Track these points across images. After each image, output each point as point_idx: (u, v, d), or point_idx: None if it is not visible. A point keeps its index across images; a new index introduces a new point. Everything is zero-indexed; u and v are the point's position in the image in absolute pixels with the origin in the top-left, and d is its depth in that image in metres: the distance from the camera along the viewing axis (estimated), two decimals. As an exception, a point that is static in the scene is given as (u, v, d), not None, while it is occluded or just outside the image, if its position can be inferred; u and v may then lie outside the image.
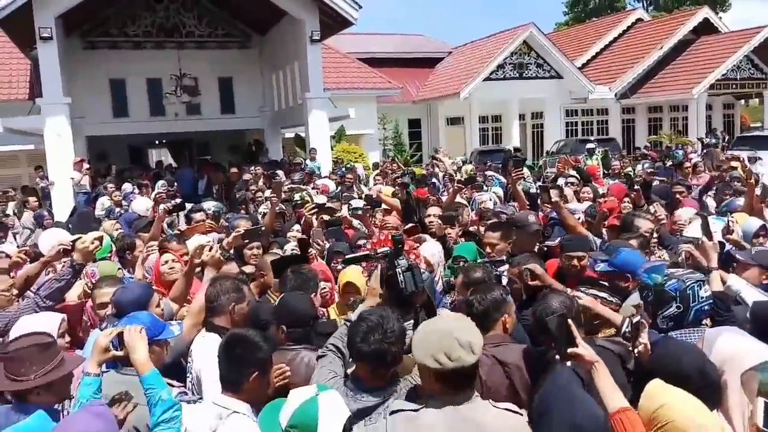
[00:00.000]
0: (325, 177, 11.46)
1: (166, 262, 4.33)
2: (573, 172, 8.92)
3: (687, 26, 27.27)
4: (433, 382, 2.28)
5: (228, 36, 18.88)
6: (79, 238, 3.96)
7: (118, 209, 9.75)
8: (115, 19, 17.59)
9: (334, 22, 14.72)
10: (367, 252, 3.53)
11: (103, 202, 10.56)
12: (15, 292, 3.90)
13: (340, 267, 4.33)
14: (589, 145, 18.15)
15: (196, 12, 18.25)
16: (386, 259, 2.83)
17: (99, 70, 17.30)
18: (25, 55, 16.96)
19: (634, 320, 2.70)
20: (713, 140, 22.82)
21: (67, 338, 3.34)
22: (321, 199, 7.29)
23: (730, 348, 2.49)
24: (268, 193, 8.10)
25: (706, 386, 2.28)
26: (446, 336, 2.26)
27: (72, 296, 4.09)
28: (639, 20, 30.79)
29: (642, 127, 28.67)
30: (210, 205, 7.34)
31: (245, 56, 19.13)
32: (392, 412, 2.31)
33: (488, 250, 4.45)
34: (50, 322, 3.24)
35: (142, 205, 8.18)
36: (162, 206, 5.89)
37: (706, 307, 2.87)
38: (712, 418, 2.04)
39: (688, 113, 26.51)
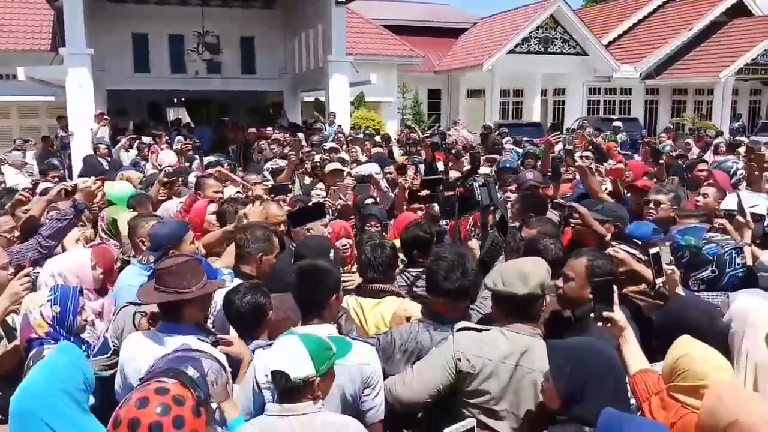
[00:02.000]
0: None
1: (214, 213, 4.36)
2: (589, 148, 8.84)
3: (719, 7, 26.60)
4: (495, 306, 2.59)
5: (252, -6, 18.70)
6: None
7: (143, 162, 9.79)
8: (140, -28, 17.46)
9: (360, -15, 14.52)
10: (440, 176, 3.80)
11: (130, 155, 10.64)
12: (17, 233, 3.95)
13: (373, 230, 4.33)
14: (615, 123, 17.92)
15: (222, -32, 18.05)
16: (459, 181, 2.96)
17: (122, 24, 17.23)
18: (50, 4, 16.87)
19: (652, 251, 2.74)
20: (736, 125, 22.47)
21: (99, 269, 3.38)
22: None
23: (744, 305, 2.52)
24: (287, 150, 8.11)
25: (716, 339, 2.33)
26: (512, 265, 2.60)
27: (70, 242, 4.07)
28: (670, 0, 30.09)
29: (665, 108, 28.22)
30: (210, 158, 7.49)
31: (268, 16, 18.96)
32: (459, 329, 2.52)
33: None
34: (82, 255, 3.28)
35: (169, 156, 8.26)
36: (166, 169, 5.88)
37: (740, 275, 2.89)
38: (725, 363, 2.09)
39: (713, 97, 26.01)
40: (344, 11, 14.77)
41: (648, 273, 2.94)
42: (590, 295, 2.74)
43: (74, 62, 12.68)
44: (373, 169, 5.87)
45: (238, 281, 3.13)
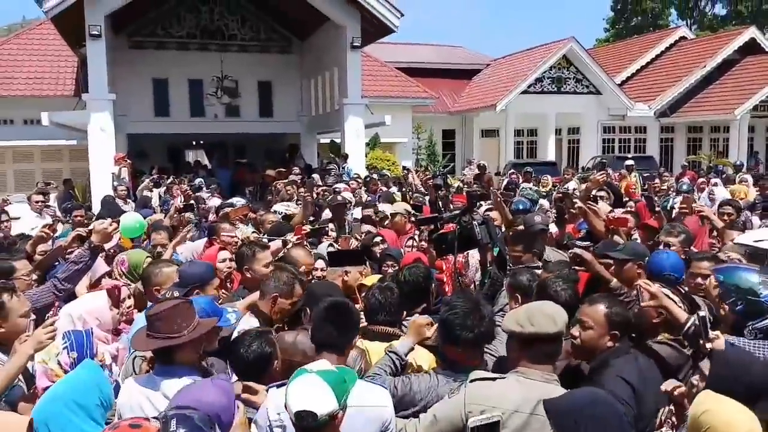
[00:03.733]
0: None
1: (224, 260, 4.42)
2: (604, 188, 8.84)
3: (732, 45, 26.75)
4: (517, 350, 2.51)
5: (269, 40, 19.16)
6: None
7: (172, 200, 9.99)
8: (162, 20, 18.00)
9: (375, 29, 14.82)
10: (436, 215, 3.82)
11: (160, 193, 10.82)
12: (35, 276, 4.01)
13: (390, 270, 4.37)
14: (628, 162, 17.90)
15: (240, 16, 18.59)
16: (455, 219, 3.00)
17: (143, 69, 17.68)
18: (74, 52, 17.42)
19: (701, 314, 2.64)
20: (753, 163, 22.34)
21: (116, 310, 3.42)
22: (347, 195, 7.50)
23: None
24: (302, 190, 8.23)
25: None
26: (533, 307, 2.60)
27: (81, 286, 4.08)
28: (682, 38, 30.30)
29: (681, 146, 28.16)
30: (237, 200, 7.57)
31: (285, 61, 19.38)
32: (472, 380, 2.47)
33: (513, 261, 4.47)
34: (101, 297, 3.34)
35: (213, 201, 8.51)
36: (174, 205, 6.01)
37: None
38: (751, 415, 1.95)
39: (729, 135, 25.96)
40: (359, 55, 15.06)
41: (679, 312, 2.84)
42: (608, 344, 2.71)
43: (97, 107, 13.01)
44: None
45: (252, 320, 3.16)
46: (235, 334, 3.02)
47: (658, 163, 24.22)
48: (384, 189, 10.11)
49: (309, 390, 2.02)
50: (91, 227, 4.11)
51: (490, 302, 3.05)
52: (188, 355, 2.58)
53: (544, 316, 2.47)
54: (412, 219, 6.04)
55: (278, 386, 2.36)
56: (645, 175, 14.63)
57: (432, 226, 4.10)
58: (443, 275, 4.08)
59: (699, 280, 3.51)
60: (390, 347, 2.86)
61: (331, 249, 4.95)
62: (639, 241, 4.86)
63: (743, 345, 2.65)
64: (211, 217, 7.01)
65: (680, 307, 2.90)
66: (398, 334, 3.11)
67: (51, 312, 3.19)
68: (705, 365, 2.33)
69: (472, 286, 3.39)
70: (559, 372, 2.70)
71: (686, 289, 3.31)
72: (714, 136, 27.50)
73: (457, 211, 3.16)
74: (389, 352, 2.81)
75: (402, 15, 14.17)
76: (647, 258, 3.79)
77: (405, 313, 3.37)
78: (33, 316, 3.14)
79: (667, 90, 26.83)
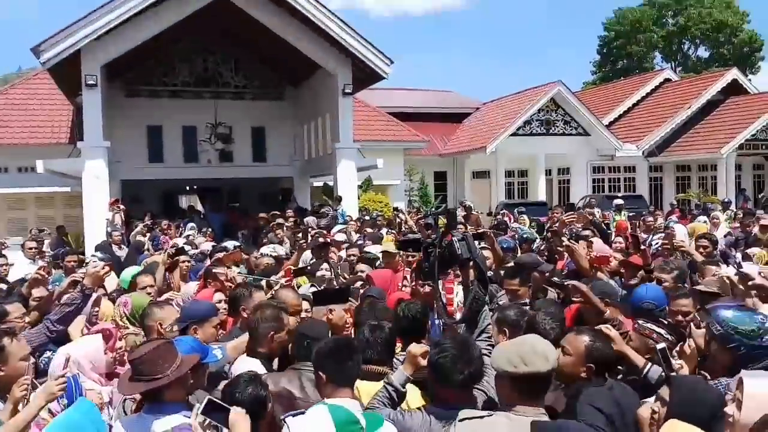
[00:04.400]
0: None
1: (219, 301, 4.49)
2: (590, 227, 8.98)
3: (716, 86, 27.40)
4: (508, 389, 2.51)
5: (263, 87, 19.54)
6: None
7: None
8: (156, 69, 18.35)
9: (365, 76, 15.17)
10: (419, 237, 3.83)
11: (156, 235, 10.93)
12: (27, 319, 4.08)
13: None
14: (617, 201, 18.11)
15: (234, 64, 18.99)
16: (437, 241, 3.02)
17: (138, 117, 17.94)
18: (70, 100, 17.69)
19: (659, 347, 2.73)
20: (742, 200, 22.61)
21: (111, 354, 3.47)
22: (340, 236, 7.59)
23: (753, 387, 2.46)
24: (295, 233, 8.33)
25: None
26: (524, 344, 2.56)
27: (75, 328, 4.09)
28: (667, 80, 31.05)
29: (670, 185, 28.54)
30: (230, 243, 7.65)
31: (278, 107, 19.72)
32: (461, 419, 2.48)
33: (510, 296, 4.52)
34: (96, 340, 3.40)
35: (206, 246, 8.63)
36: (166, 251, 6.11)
37: None
38: None
39: (717, 173, 26.37)
40: (351, 101, 15.36)
41: (637, 357, 2.95)
42: (583, 375, 2.78)
43: (91, 155, 13.16)
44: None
45: (253, 361, 3.20)
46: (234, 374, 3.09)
47: (648, 202, 24.50)
48: (369, 230, 10.20)
49: (313, 422, 2.06)
50: (84, 270, 4.20)
51: (473, 324, 3.06)
52: (175, 392, 2.64)
53: (537, 354, 2.49)
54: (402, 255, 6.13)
55: (296, 415, 2.41)
56: (630, 214, 14.79)
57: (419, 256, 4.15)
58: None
59: (680, 317, 3.59)
60: (387, 378, 2.89)
61: (313, 289, 5.06)
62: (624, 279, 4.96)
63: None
64: (207, 261, 7.08)
65: (667, 338, 3.00)
66: (388, 373, 3.15)
67: (47, 355, 3.24)
68: (665, 391, 2.41)
69: (456, 308, 3.40)
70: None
71: (670, 320, 3.39)
72: (702, 175, 27.90)
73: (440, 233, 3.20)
74: (386, 384, 2.85)
75: (392, 62, 14.53)
76: (616, 296, 3.90)
77: (400, 348, 3.42)
78: (32, 360, 3.18)
79: (654, 130, 27.34)
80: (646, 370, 2.82)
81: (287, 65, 17.90)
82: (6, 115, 19.73)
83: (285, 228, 10.29)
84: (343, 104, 14.91)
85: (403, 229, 10.31)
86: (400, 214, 12.87)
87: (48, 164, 14.26)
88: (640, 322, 3.19)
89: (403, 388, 2.82)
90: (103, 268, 4.22)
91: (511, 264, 5.36)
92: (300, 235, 8.13)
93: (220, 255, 6.23)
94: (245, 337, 3.50)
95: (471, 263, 3.04)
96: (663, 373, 2.70)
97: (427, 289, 4.06)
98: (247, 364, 3.18)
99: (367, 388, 3.00)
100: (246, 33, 16.53)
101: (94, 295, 4.26)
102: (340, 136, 14.96)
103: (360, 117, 20.63)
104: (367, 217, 12.63)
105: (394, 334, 3.30)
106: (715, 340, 2.81)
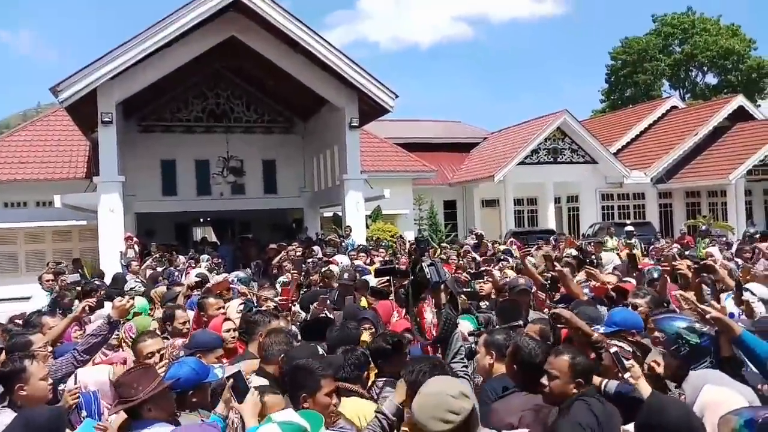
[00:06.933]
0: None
1: (229, 330, 4.76)
2: (573, 252, 9.16)
3: (722, 113, 27.57)
4: None
5: (273, 122, 20.10)
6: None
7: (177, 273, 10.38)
8: (170, 105, 18.95)
9: (372, 110, 15.59)
10: (393, 266, 4.06)
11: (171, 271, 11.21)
12: (50, 349, 4.34)
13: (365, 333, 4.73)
14: (627, 228, 18.19)
15: (245, 99, 19.58)
16: (410, 268, 3.24)
17: (151, 151, 18.47)
18: (86, 136, 18.25)
19: (612, 350, 2.94)
20: (752, 229, 22.58)
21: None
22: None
23: (712, 396, 2.70)
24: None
25: None
26: (437, 396, 2.39)
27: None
28: (674, 108, 31.27)
29: (680, 211, 28.53)
30: (240, 274, 7.94)
31: (288, 140, 20.22)
32: None
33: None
34: (102, 371, 3.65)
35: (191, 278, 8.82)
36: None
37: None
38: None
39: (726, 198, 26.40)
40: (358, 134, 15.77)
41: (588, 329, 3.36)
42: (574, 391, 2.98)
43: (107, 189, 13.61)
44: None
45: (260, 380, 3.46)
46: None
47: (657, 228, 24.55)
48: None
49: None
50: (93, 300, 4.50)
51: (444, 345, 3.23)
52: (156, 409, 2.91)
53: (456, 397, 2.37)
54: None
55: None
56: (629, 241, 14.91)
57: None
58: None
59: (657, 333, 3.79)
60: (378, 408, 3.07)
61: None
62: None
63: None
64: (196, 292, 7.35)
65: (630, 350, 3.29)
66: (359, 392, 3.45)
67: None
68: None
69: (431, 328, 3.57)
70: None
71: (637, 338, 3.61)
72: (712, 200, 27.91)
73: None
74: (377, 413, 3.01)
75: (396, 96, 14.93)
76: (601, 321, 4.11)
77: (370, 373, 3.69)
78: (50, 381, 3.45)
79: (662, 157, 27.47)
80: (604, 384, 3.03)
81: (296, 100, 18.41)
82: (25, 151, 20.35)
83: (292, 259, 10.55)
84: (350, 137, 15.31)
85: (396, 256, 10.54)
86: (403, 242, 13.11)
87: (65, 199, 14.72)
88: (609, 340, 3.41)
89: (394, 417, 2.95)
90: (128, 302, 4.47)
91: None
92: (294, 269, 8.44)
93: (209, 285, 6.54)
94: (255, 362, 3.81)
95: (441, 286, 3.24)
96: (618, 384, 2.92)
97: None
98: (257, 383, 3.44)
99: (346, 403, 3.27)
100: (256, 70, 17.08)
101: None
102: (348, 168, 15.33)
103: (368, 148, 21.07)
104: (373, 247, 12.87)
105: (366, 357, 3.61)
106: (662, 346, 3.18)
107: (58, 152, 20.54)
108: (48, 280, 9.57)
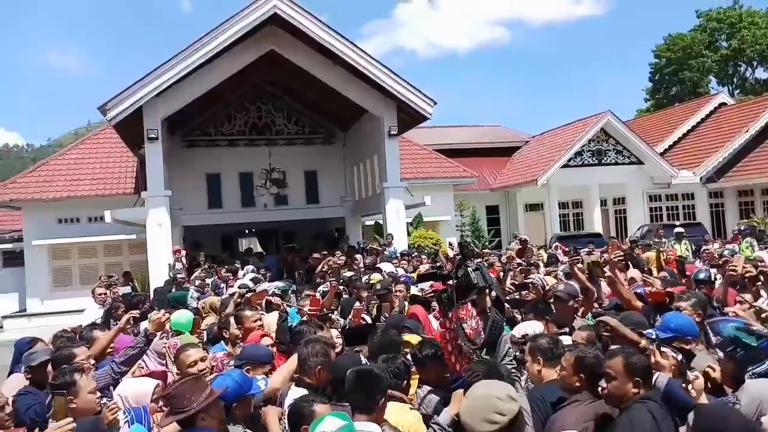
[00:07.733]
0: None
1: (267, 345, 4.82)
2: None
3: (773, 109, 26.64)
4: None
5: (314, 133, 20.35)
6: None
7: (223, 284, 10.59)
8: (213, 120, 19.39)
9: (410, 118, 15.61)
10: (436, 270, 4.06)
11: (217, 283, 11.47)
12: (93, 361, 4.45)
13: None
14: (677, 229, 17.69)
15: (286, 112, 19.90)
16: (455, 274, 3.24)
17: (196, 166, 18.92)
18: (133, 153, 18.80)
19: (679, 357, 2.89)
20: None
21: (161, 403, 3.79)
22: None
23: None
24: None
25: None
26: (484, 398, 2.55)
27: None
28: (722, 104, 30.34)
29: (732, 211, 27.61)
30: (279, 284, 8.20)
31: (329, 151, 20.44)
32: None
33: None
34: (147, 385, 3.73)
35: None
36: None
37: None
38: None
39: (782, 196, 25.47)
40: (397, 142, 15.80)
41: (633, 336, 3.27)
42: (633, 390, 2.94)
43: (154, 204, 13.96)
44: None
45: (302, 391, 3.50)
46: (286, 404, 3.44)
47: (709, 229, 23.80)
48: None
49: None
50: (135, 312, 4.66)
51: (492, 349, 3.22)
52: (207, 419, 2.96)
53: (503, 400, 2.51)
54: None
55: None
56: (673, 243, 14.46)
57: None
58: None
59: (712, 336, 3.71)
60: (434, 419, 3.10)
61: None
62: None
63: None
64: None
65: (674, 356, 3.23)
66: (403, 399, 3.43)
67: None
68: (690, 417, 2.55)
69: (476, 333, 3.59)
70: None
71: (683, 346, 3.52)
72: (766, 199, 26.95)
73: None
74: (432, 425, 3.05)
75: (435, 103, 14.92)
76: (646, 327, 4.01)
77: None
78: (99, 394, 3.56)
79: (712, 155, 26.66)
80: (655, 377, 2.98)
81: (336, 111, 18.59)
82: (77, 169, 21.07)
83: (332, 267, 10.64)
84: (389, 145, 15.36)
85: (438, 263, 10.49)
86: (443, 250, 13.05)
87: (115, 214, 15.16)
88: (660, 347, 3.35)
89: (450, 428, 2.96)
90: (164, 315, 4.60)
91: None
92: (330, 275, 8.52)
93: (249, 295, 6.62)
94: (290, 365, 3.81)
95: (487, 291, 3.24)
96: (668, 384, 2.87)
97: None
98: (297, 393, 3.49)
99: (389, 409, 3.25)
100: (295, 82, 17.33)
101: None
102: (388, 176, 15.38)
103: (408, 155, 21.09)
104: (415, 253, 12.85)
105: (405, 366, 3.60)
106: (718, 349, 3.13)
107: (108, 169, 21.21)
108: (100, 294, 9.84)
